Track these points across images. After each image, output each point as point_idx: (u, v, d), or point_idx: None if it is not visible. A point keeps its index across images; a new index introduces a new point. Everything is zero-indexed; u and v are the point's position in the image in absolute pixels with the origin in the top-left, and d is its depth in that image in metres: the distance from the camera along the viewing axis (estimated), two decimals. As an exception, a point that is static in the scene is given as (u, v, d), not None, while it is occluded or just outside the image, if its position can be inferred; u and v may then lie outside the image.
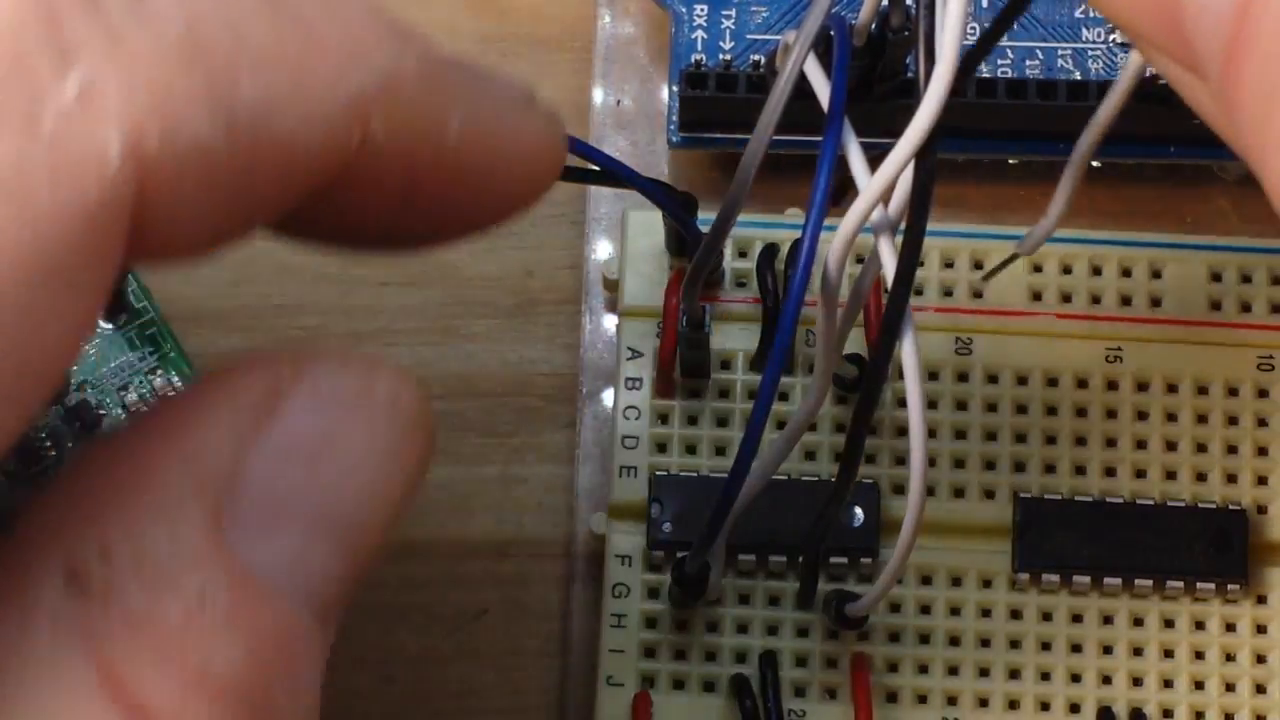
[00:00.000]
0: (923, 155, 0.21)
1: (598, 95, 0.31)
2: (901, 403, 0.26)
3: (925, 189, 0.21)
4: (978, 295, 0.29)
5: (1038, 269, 0.29)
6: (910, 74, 0.28)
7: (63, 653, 0.17)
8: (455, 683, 0.30)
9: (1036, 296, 0.29)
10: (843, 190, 0.23)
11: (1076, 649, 0.29)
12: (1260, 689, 0.28)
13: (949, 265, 0.29)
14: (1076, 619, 0.29)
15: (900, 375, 0.26)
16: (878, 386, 0.24)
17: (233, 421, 0.18)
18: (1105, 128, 0.24)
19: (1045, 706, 0.28)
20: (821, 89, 0.22)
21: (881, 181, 0.22)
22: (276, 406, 0.18)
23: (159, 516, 0.17)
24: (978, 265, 0.29)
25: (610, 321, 0.30)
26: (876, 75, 0.28)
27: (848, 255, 0.22)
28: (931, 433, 0.29)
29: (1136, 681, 0.29)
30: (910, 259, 0.22)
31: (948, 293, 0.29)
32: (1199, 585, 0.28)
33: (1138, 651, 0.29)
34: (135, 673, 0.17)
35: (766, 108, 0.22)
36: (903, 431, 0.28)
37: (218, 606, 0.17)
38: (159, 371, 0.29)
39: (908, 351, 0.23)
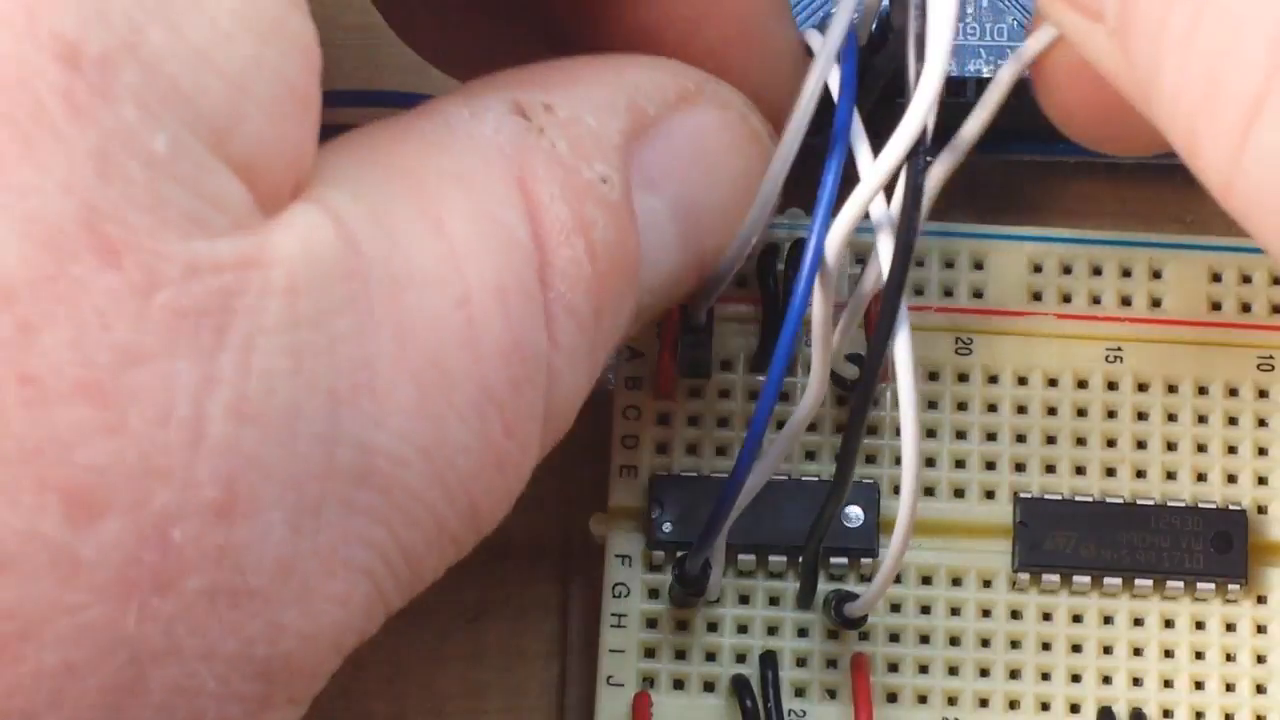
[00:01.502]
0: (914, 155, 0.21)
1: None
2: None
3: (917, 188, 0.21)
4: (978, 295, 0.29)
5: (1038, 269, 0.29)
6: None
7: (497, 144, 0.21)
8: (455, 683, 0.30)
9: (1036, 296, 0.29)
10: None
11: (1077, 649, 0.29)
12: (1260, 689, 0.28)
13: (949, 265, 0.29)
14: (1076, 619, 0.29)
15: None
16: (871, 386, 0.24)
17: (667, 83, 0.23)
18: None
19: (1045, 706, 0.28)
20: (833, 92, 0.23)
21: (874, 181, 0.22)
22: (693, 100, 0.23)
23: (595, 106, 0.22)
24: (978, 265, 0.29)
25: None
26: (877, 74, 0.28)
27: (843, 251, 0.22)
28: (931, 433, 0.29)
29: (1136, 681, 0.29)
30: (903, 257, 0.22)
31: (948, 293, 0.29)
32: (1199, 585, 0.28)
33: (1138, 651, 0.29)
34: (542, 189, 0.21)
35: (790, 126, 0.22)
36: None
37: (611, 197, 0.21)
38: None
39: (901, 350, 0.23)
